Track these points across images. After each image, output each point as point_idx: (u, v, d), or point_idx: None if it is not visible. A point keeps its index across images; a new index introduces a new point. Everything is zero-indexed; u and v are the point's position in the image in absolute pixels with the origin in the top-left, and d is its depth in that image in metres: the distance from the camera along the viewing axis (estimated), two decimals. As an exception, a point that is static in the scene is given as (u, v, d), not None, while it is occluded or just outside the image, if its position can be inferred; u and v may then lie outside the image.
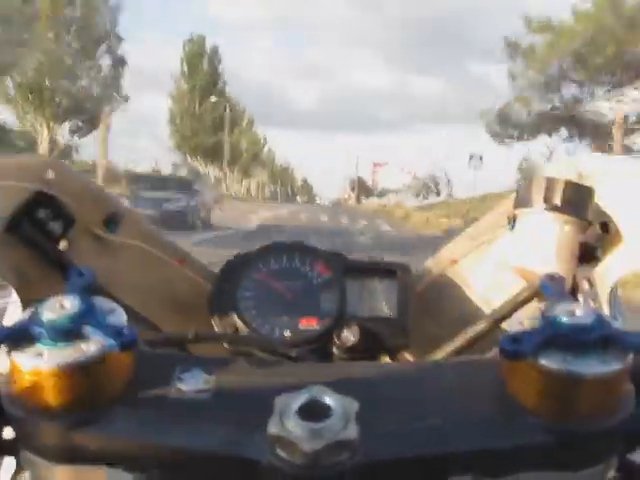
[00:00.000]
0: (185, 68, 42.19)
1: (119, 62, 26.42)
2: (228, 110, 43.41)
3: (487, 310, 0.68)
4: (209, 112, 42.84)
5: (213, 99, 42.15)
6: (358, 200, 65.95)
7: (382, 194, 68.65)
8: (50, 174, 0.66)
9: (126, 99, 26.44)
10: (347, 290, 0.74)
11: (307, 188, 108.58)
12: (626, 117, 19.57)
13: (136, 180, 19.15)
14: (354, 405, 0.34)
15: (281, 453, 0.33)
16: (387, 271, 0.77)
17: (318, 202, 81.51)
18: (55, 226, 0.67)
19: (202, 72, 41.78)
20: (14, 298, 0.66)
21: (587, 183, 0.62)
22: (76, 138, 26.11)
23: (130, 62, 27.76)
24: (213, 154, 46.54)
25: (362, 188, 72.78)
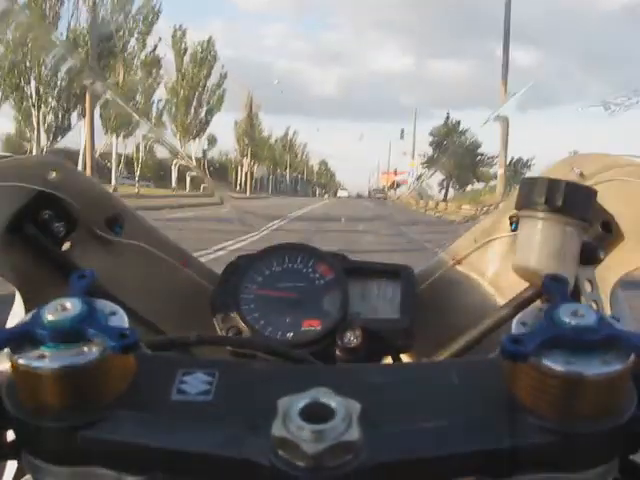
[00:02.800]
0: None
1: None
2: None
3: (490, 311, 0.68)
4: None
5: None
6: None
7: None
8: (53, 175, 0.66)
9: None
10: (350, 291, 0.74)
11: (329, 178, 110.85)
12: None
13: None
14: (357, 407, 0.34)
15: (284, 455, 0.33)
16: (390, 272, 0.77)
17: (344, 194, 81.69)
18: (58, 227, 0.67)
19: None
20: (16, 300, 0.66)
21: (588, 183, 0.62)
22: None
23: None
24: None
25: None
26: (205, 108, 42.03)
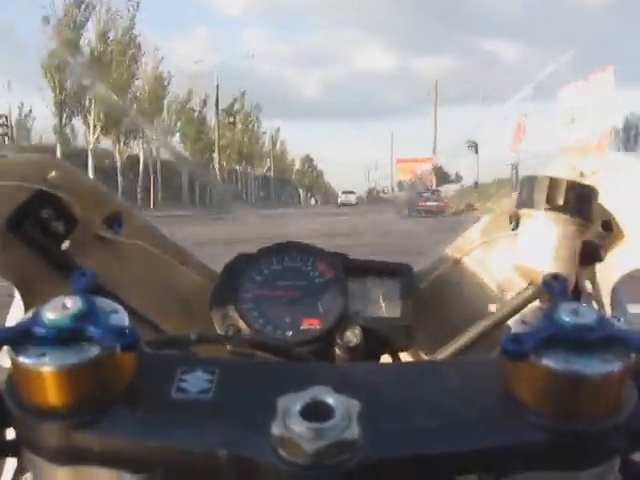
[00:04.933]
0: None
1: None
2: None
3: (490, 310, 0.68)
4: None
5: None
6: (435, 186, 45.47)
7: (459, 179, 57.00)
8: (53, 173, 0.66)
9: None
10: (349, 290, 0.74)
11: (315, 178, 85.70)
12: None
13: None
14: (356, 405, 0.34)
15: (284, 453, 0.33)
16: (389, 271, 0.77)
17: (350, 199, 52.98)
18: (58, 226, 0.67)
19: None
20: (15, 298, 0.67)
21: (588, 181, 0.62)
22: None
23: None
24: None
25: (439, 174, 54.19)
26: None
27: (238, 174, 52.42)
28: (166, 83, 36.68)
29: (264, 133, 60.77)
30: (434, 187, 44.64)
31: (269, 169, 63.84)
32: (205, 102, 43.73)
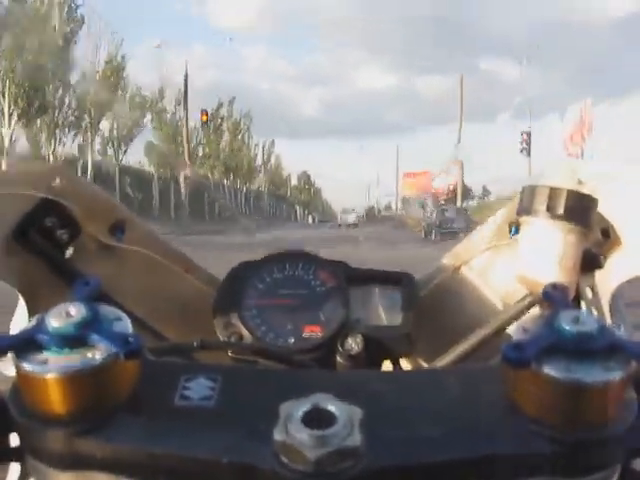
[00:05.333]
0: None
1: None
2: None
3: (490, 318, 0.68)
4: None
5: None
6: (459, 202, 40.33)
7: (485, 194, 54.27)
8: (57, 182, 0.66)
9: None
10: (350, 298, 0.74)
11: (312, 195, 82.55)
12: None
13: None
14: (358, 412, 0.35)
15: (286, 460, 0.33)
16: (390, 279, 0.77)
17: (351, 219, 45.93)
18: (62, 234, 0.67)
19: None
20: (19, 305, 0.67)
21: (587, 189, 0.62)
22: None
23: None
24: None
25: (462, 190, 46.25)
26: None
27: (225, 188, 44.88)
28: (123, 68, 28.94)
29: (256, 145, 53.99)
30: (458, 204, 37.85)
31: (263, 185, 57.64)
32: (181, 102, 34.33)
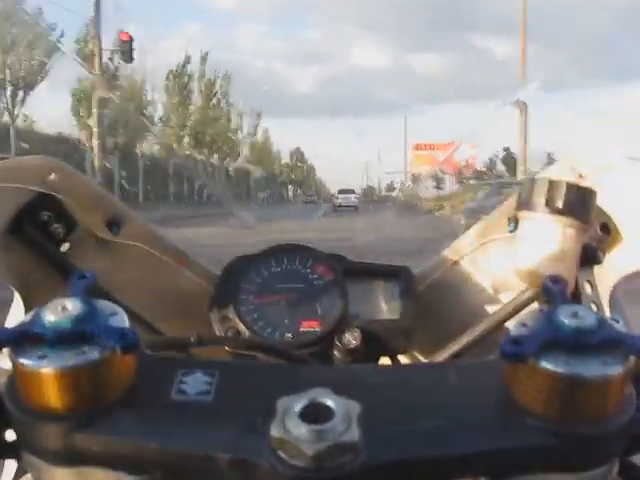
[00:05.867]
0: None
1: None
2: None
3: (489, 312, 0.68)
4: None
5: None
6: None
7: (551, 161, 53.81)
8: (52, 176, 0.66)
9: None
10: (348, 292, 0.74)
11: (306, 174, 74.90)
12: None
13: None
14: (356, 407, 0.34)
15: (283, 455, 0.33)
16: (388, 273, 0.77)
17: (350, 199, 40.54)
18: (57, 228, 0.67)
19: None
20: (15, 300, 0.67)
21: (587, 183, 0.62)
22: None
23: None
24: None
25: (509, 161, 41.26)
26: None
27: (198, 164, 33.50)
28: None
29: (239, 116, 42.61)
30: (519, 177, 25.19)
31: (248, 161, 46.14)
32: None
